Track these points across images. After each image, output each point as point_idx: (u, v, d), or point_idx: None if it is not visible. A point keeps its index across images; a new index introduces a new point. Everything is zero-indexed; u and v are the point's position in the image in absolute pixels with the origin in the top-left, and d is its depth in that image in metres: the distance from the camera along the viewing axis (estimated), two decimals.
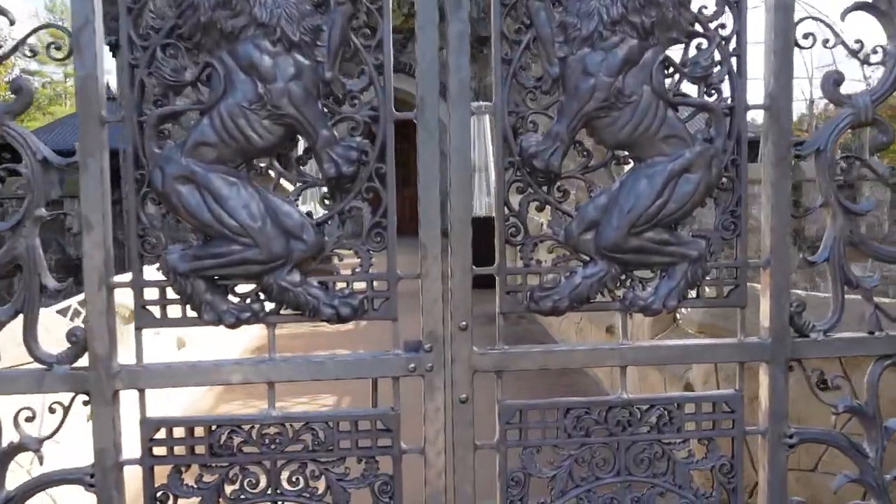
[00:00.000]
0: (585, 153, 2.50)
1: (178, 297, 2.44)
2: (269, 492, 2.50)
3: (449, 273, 2.48)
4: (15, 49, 2.39)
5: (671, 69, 2.46)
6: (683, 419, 2.56)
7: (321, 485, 2.51)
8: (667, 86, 2.46)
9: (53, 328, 3.35)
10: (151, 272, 2.49)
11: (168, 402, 5.98)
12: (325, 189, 2.48)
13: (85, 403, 2.45)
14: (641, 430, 2.55)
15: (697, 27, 2.44)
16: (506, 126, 2.46)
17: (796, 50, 2.50)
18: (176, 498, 2.49)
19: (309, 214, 2.46)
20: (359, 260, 2.49)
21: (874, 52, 2.48)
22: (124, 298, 2.45)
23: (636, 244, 2.45)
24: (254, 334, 9.64)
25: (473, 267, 2.49)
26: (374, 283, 2.49)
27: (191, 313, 2.46)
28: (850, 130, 2.57)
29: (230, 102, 2.35)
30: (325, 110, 2.41)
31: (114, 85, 18.83)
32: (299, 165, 2.46)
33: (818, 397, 2.54)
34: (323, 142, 2.39)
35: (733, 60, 2.47)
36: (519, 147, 2.45)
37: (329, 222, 2.47)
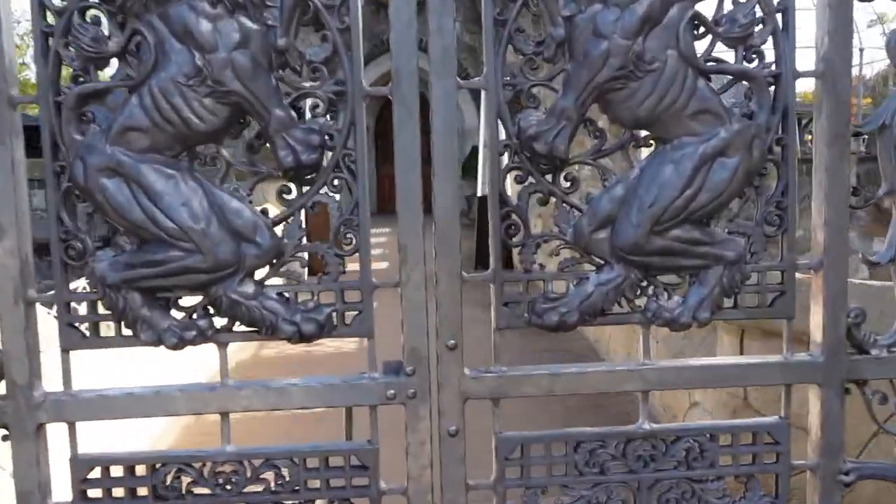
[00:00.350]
0: (597, 134, 2.06)
1: (109, 312, 2.03)
2: None
3: (434, 279, 2.06)
4: None
5: (702, 29, 2.00)
6: (717, 452, 2.13)
7: None
8: (697, 49, 2.01)
9: None
10: None
11: None
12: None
13: (4, 439, 2.06)
14: (667, 465, 2.12)
15: None
16: (500, 102, 2.02)
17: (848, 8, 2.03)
18: None
19: (264, 212, 2.04)
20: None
21: None
22: None
23: (660, 244, 2.01)
24: None
25: (464, 273, 2.06)
26: (345, 294, 2.08)
27: (126, 331, 2.05)
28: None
29: (163, 77, 1.93)
30: (280, 85, 1.99)
31: None
32: (251, 153, 2.04)
33: (881, 427, 2.10)
34: (277, 124, 1.96)
35: (778, 16, 2.02)
36: (517, 127, 2.02)
37: (289, 221, 2.05)
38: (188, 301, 2.07)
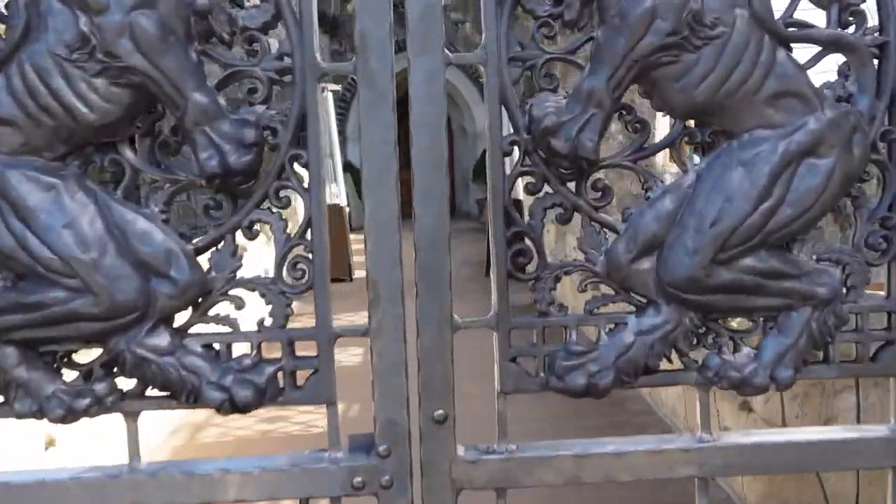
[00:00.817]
0: (638, 125, 1.51)
1: None
2: None
3: (416, 328, 1.51)
4: None
5: None
6: None
7: None
8: (776, 10, 1.46)
9: None
10: None
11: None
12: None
13: None
14: None
15: None
16: (504, 82, 1.47)
17: None
18: None
19: (184, 236, 1.49)
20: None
21: None
22: None
23: (727, 278, 1.46)
24: None
25: (457, 318, 1.51)
26: (296, 346, 1.53)
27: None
28: None
29: (37, 50, 1.40)
30: (204, 61, 1.45)
31: None
32: (165, 154, 1.50)
33: None
34: (197, 114, 1.42)
35: None
36: (528, 116, 1.47)
37: (219, 247, 1.51)
38: (88, 355, 1.53)
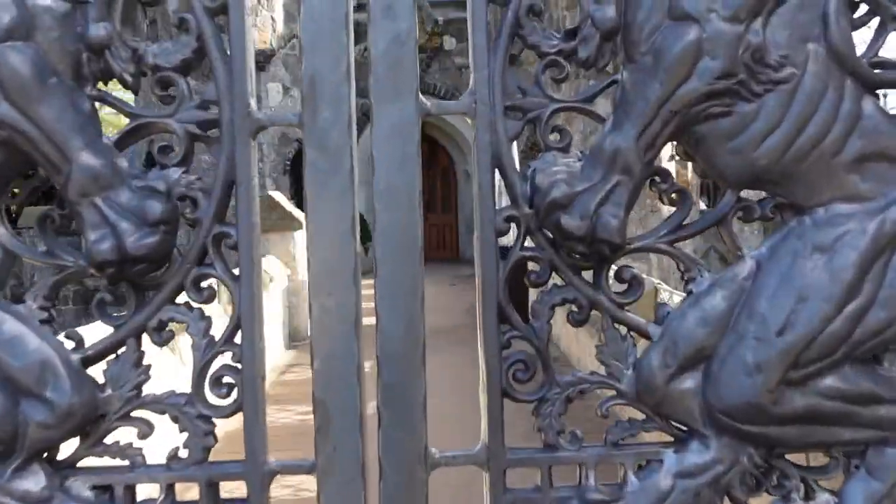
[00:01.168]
0: (676, 195, 1.15)
1: None
2: None
3: (378, 463, 1.12)
4: None
5: (867, 10, 1.11)
6: None
7: None
8: (858, 46, 1.11)
9: None
10: None
11: None
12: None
13: None
14: None
15: None
16: (500, 139, 1.11)
17: None
18: None
19: (72, 336, 1.12)
20: None
21: None
22: None
23: (800, 405, 1.08)
24: None
25: (434, 451, 1.13)
26: (220, 485, 1.15)
27: None
28: None
29: None
30: (96, 110, 1.09)
31: None
32: (46, 232, 1.13)
33: None
34: (84, 180, 1.06)
35: None
36: (530, 184, 1.11)
37: (118, 355, 1.14)
38: None
